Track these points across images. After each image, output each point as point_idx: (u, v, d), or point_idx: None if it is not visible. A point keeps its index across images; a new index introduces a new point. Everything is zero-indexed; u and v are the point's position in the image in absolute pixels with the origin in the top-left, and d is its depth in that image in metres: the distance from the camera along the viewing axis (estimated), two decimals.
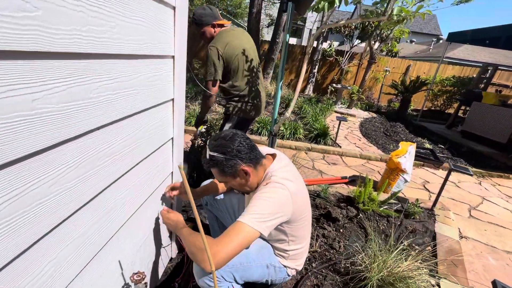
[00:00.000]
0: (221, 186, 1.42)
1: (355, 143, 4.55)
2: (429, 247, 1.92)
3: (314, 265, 1.63)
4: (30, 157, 0.53)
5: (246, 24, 7.60)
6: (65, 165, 0.62)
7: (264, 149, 1.20)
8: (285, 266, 1.19)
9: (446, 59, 10.71)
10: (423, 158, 3.96)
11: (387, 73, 8.61)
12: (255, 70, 2.02)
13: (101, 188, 0.77)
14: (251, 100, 2.03)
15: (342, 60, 8.75)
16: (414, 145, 2.85)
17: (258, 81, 2.08)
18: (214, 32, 1.93)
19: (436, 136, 5.62)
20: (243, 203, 1.37)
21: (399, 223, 2.14)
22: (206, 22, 1.89)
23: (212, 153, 1.00)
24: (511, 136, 4.70)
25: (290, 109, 2.00)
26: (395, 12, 1.54)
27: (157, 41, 0.92)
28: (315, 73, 8.90)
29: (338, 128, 4.42)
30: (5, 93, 0.45)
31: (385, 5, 1.64)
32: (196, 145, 2.45)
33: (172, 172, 1.32)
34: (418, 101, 9.00)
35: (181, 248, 1.59)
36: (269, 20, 12.47)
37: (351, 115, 6.65)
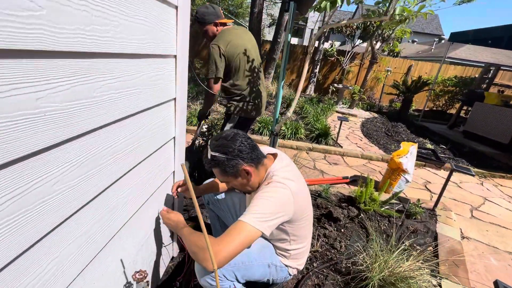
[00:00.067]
0: (223, 185, 1.43)
1: (356, 143, 4.54)
2: (431, 248, 1.91)
3: (315, 264, 1.63)
4: (33, 156, 0.53)
5: (247, 24, 7.59)
6: (68, 164, 0.62)
7: (265, 149, 1.20)
8: (286, 266, 1.19)
9: (448, 59, 10.67)
10: (425, 159, 3.94)
11: (389, 73, 8.59)
12: (256, 70, 2.03)
13: (103, 187, 0.77)
14: (252, 100, 2.04)
15: (343, 60, 8.73)
16: (416, 145, 2.84)
17: (259, 81, 2.08)
18: (217, 30, 1.93)
19: (438, 137, 5.60)
20: (244, 202, 1.37)
21: (400, 223, 2.14)
22: (209, 20, 1.90)
23: (213, 153, 1.00)
24: None
25: (292, 109, 2.01)
26: (397, 11, 1.53)
27: (159, 40, 0.92)
28: (317, 73, 8.89)
29: (340, 128, 4.41)
30: (9, 92, 0.45)
31: (387, 5, 1.64)
32: (197, 144, 2.45)
33: (174, 171, 1.32)
34: (420, 101, 8.96)
35: (182, 247, 1.59)
36: (271, 20, 12.46)
37: (352, 115, 6.64)
